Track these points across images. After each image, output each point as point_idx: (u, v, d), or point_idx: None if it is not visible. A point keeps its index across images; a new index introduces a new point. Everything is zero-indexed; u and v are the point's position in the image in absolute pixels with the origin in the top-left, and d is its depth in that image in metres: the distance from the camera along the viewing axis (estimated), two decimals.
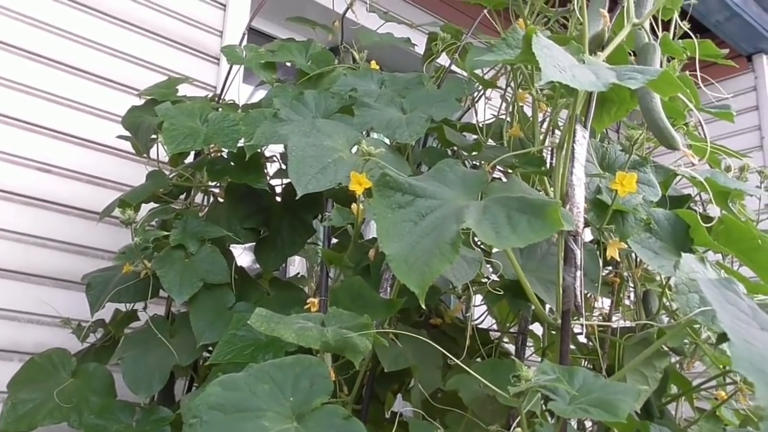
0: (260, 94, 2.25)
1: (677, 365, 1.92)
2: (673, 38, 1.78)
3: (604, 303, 2.02)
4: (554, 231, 1.01)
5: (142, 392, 1.71)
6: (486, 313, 2.17)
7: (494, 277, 1.82)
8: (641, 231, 1.53)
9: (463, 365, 1.19)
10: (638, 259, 1.93)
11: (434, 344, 1.55)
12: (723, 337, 1.09)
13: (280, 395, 1.10)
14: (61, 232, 2.36)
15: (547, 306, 1.45)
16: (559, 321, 1.17)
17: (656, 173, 1.64)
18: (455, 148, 1.90)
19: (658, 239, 1.55)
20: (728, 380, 1.85)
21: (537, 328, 2.09)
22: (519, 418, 1.23)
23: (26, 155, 2.33)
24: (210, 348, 1.78)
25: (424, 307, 0.99)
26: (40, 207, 2.34)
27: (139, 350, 1.79)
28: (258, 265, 2.10)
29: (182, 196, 2.12)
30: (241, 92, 2.38)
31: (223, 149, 1.93)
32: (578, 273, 1.17)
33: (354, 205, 1.46)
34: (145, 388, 1.71)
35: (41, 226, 2.33)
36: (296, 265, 2.77)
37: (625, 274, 1.94)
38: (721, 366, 1.81)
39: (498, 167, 1.78)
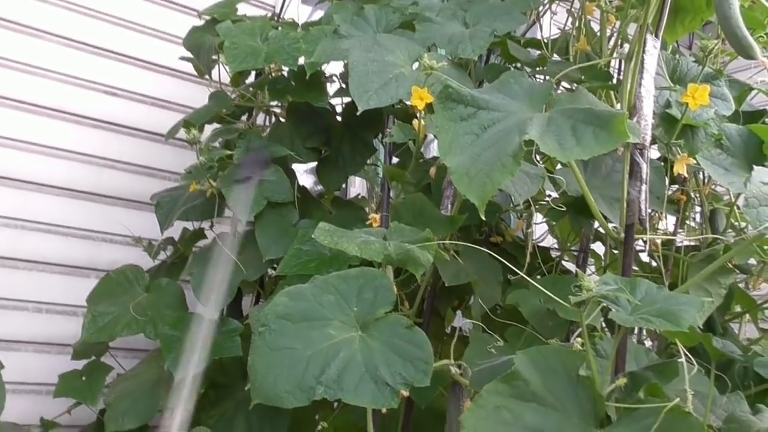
0: (318, 14, 2.22)
1: (742, 284, 1.89)
2: None
3: (668, 224, 1.98)
4: (620, 143, 0.99)
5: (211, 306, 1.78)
6: (547, 232, 2.16)
7: (555, 195, 1.81)
8: (711, 147, 1.49)
9: (526, 277, 1.20)
10: (706, 177, 1.89)
11: (495, 259, 1.56)
12: None
13: (345, 305, 1.13)
14: (129, 154, 2.42)
15: (611, 225, 1.44)
16: (622, 235, 1.16)
17: (730, 88, 1.58)
18: (519, 64, 1.86)
19: (729, 155, 1.51)
20: None
21: (598, 247, 2.08)
22: (579, 330, 1.24)
23: (93, 79, 2.38)
24: (275, 265, 1.83)
25: (484, 219, 0.99)
26: (108, 130, 2.40)
27: (207, 266, 1.85)
28: (319, 187, 2.13)
29: (244, 117, 2.14)
30: (300, 12, 2.36)
31: (283, 68, 1.93)
32: (643, 187, 1.15)
33: (415, 122, 1.46)
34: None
35: (110, 149, 2.39)
36: (356, 186, 2.79)
37: (692, 193, 1.89)
38: None
39: (563, 83, 1.74)
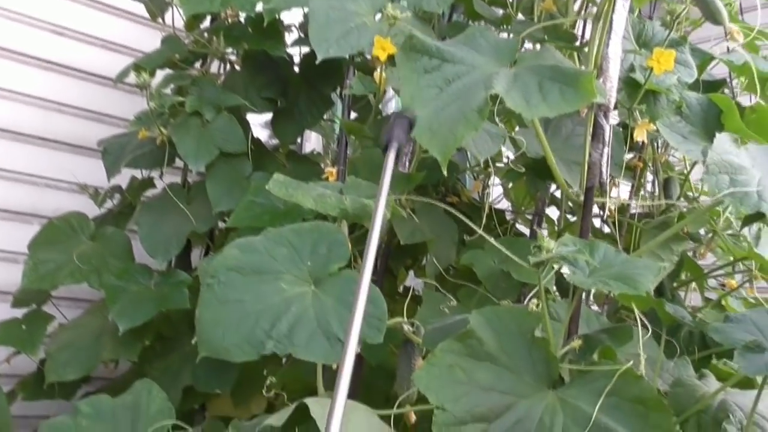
0: None
1: (691, 253, 1.92)
2: None
3: (621, 192, 2.00)
4: (587, 101, 0.97)
5: (159, 257, 1.73)
6: (501, 195, 2.16)
7: (512, 157, 1.80)
8: (671, 114, 1.49)
9: (485, 235, 1.18)
10: (662, 145, 1.90)
11: (452, 218, 1.55)
12: (750, 219, 1.07)
13: (298, 259, 1.10)
14: (77, 98, 2.32)
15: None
16: (582, 198, 1.15)
17: (693, 56, 1.58)
18: (482, 22, 1.82)
19: (688, 123, 1.51)
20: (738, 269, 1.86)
21: (552, 212, 2.08)
22: (534, 290, 1.23)
23: (40, 17, 2.27)
24: (226, 217, 1.79)
25: (446, 175, 0.97)
26: (56, 71, 2.29)
27: (156, 216, 1.80)
28: (274, 141, 2.08)
29: (198, 63, 2.06)
30: None
31: (240, 14, 1.86)
32: (605, 150, 1.14)
33: (376, 74, 1.42)
34: (163, 253, 1.73)
35: (58, 92, 2.29)
36: (312, 142, 2.75)
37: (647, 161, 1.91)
38: (735, 257, 1.81)
39: (526, 44, 1.71)
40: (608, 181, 1.15)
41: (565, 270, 0.95)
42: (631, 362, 0.91)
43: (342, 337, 1.01)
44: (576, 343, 0.98)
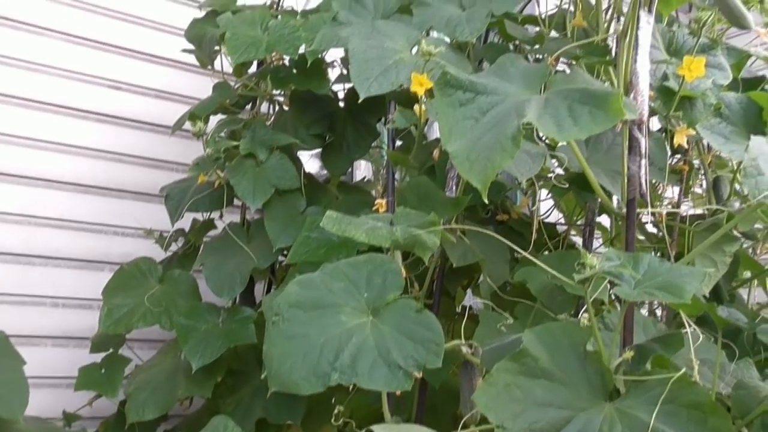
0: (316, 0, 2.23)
1: (749, 250, 1.90)
2: None
3: (675, 192, 2.00)
4: (616, 121, 1.00)
5: (225, 295, 1.81)
6: (553, 207, 2.18)
7: (560, 170, 1.82)
8: (711, 116, 1.50)
9: (530, 257, 1.22)
10: (709, 146, 1.90)
11: (501, 238, 1.58)
12: None
13: (355, 291, 1.16)
14: (135, 147, 2.44)
15: (615, 197, 1.46)
16: (624, 210, 1.18)
17: (728, 56, 1.59)
18: (517, 42, 1.86)
19: (729, 124, 1.51)
20: None
21: (605, 220, 2.09)
22: (586, 305, 1.26)
23: (97, 74, 2.40)
24: (285, 252, 1.86)
25: (487, 202, 1.01)
26: (114, 124, 2.42)
27: (219, 256, 1.88)
28: (325, 172, 2.16)
29: (248, 107, 2.16)
30: None
31: (285, 57, 1.95)
32: (643, 162, 1.17)
33: (416, 106, 1.47)
34: (228, 291, 1.81)
35: (116, 142, 2.41)
36: (362, 170, 2.81)
37: (696, 162, 1.91)
38: None
39: (562, 60, 1.75)
40: (648, 191, 1.18)
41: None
42: (684, 369, 0.93)
43: (402, 363, 1.06)
44: (628, 354, 1.01)
